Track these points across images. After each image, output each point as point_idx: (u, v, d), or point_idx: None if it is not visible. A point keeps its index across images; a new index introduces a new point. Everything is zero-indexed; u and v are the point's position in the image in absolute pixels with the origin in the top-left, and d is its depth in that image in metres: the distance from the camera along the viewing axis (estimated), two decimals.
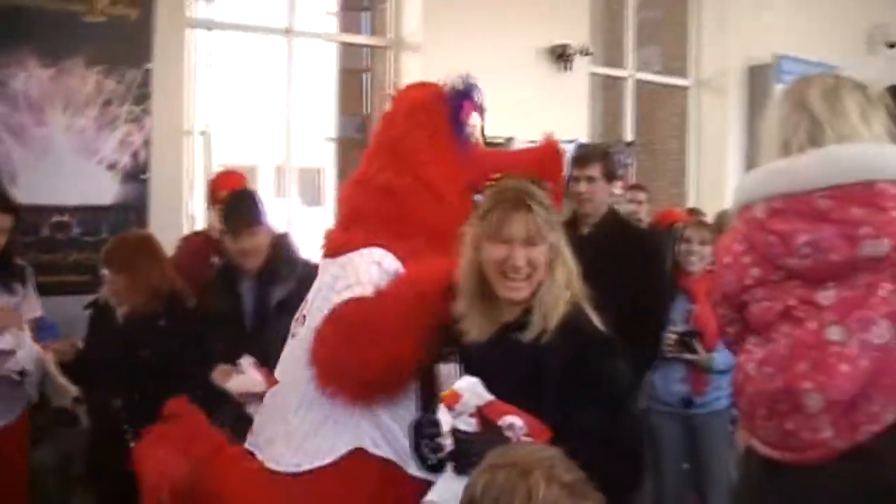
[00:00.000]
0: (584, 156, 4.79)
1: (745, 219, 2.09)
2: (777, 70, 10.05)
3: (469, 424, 2.31)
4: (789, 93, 2.13)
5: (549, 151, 3.41)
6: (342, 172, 10.30)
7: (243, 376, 3.97)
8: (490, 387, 2.35)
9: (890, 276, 1.87)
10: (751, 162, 9.05)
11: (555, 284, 2.51)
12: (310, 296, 3.10)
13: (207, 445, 2.92)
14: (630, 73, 10.05)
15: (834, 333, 1.87)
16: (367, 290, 2.81)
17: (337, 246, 3.07)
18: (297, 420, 2.84)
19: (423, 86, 3.33)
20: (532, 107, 8.23)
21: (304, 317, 3.02)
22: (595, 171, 4.73)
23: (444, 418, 2.33)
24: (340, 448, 2.79)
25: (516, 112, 7.95)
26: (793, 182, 1.98)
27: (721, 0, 10.22)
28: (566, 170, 4.20)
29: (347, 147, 10.09)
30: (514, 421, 2.31)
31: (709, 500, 5.12)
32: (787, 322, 1.97)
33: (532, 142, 8.00)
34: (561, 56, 8.67)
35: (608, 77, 10.19)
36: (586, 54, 8.87)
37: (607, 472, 1.95)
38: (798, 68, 9.99)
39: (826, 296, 1.90)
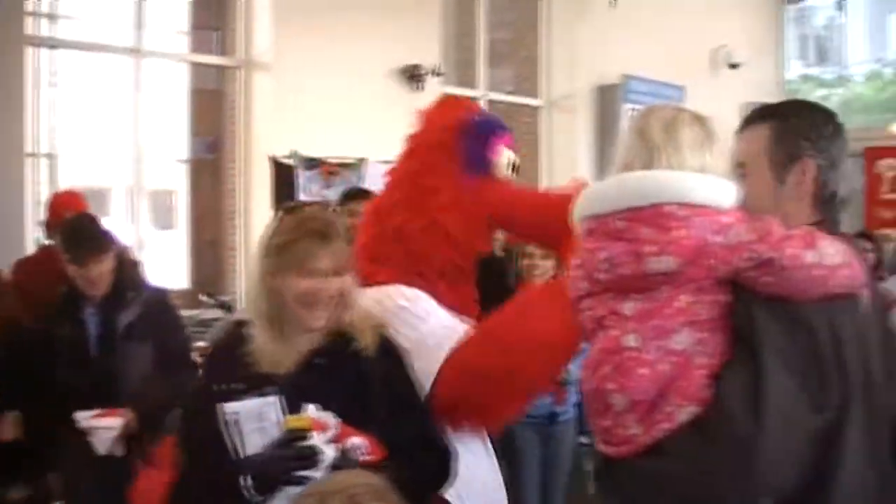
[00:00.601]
0: None
1: (578, 235, 2.25)
2: (624, 90, 10.33)
3: (334, 450, 2.30)
4: (635, 120, 2.29)
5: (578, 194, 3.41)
6: (195, 194, 10.11)
7: (98, 433, 3.92)
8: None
9: (692, 290, 2.02)
10: (601, 179, 9.24)
11: (360, 312, 2.53)
12: None
13: None
14: (482, 93, 10.16)
15: (631, 340, 2.05)
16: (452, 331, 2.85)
17: (364, 276, 2.95)
18: None
19: (448, 112, 3.22)
20: (384, 127, 8.19)
21: None
22: None
23: (324, 447, 2.29)
24: None
25: (368, 133, 7.96)
26: (600, 205, 2.17)
27: (570, 22, 10.44)
28: None
29: (199, 168, 9.90)
30: (357, 442, 2.31)
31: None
32: (601, 330, 2.15)
33: (385, 162, 8.07)
34: (413, 76, 8.74)
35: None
36: (438, 74, 8.95)
37: (426, 477, 2.27)
38: (645, 88, 10.31)
39: (629, 307, 2.07)
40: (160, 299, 4.46)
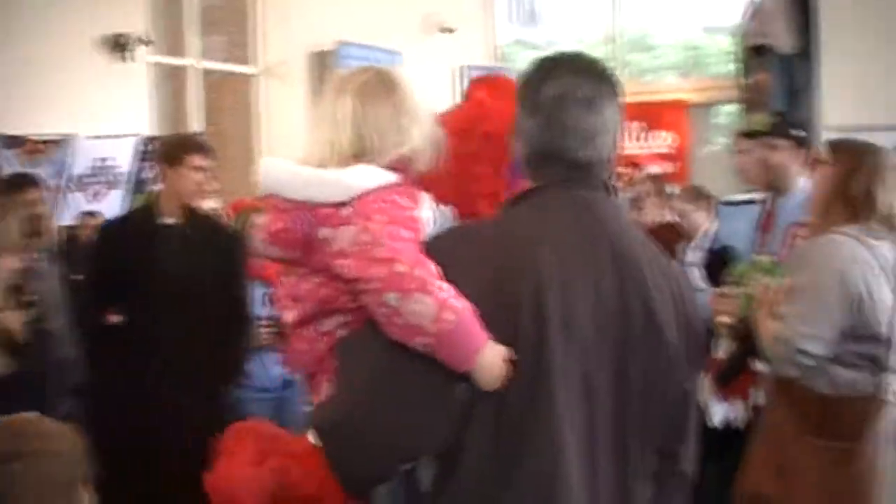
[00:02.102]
0: None
1: None
2: (339, 56, 10.30)
3: None
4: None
5: None
6: None
7: None
8: None
9: (329, 276, 2.04)
10: None
11: None
12: None
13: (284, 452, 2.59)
14: (193, 61, 9.92)
15: (289, 317, 2.16)
16: None
17: None
18: None
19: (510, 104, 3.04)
20: (91, 100, 7.97)
21: None
22: None
23: None
24: None
25: (75, 106, 7.64)
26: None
27: None
28: None
29: None
30: None
31: None
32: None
33: (96, 137, 7.72)
34: (119, 46, 8.44)
35: (171, 66, 9.95)
36: (147, 43, 8.70)
37: None
38: (359, 54, 10.31)
39: (290, 283, 2.14)
40: None
